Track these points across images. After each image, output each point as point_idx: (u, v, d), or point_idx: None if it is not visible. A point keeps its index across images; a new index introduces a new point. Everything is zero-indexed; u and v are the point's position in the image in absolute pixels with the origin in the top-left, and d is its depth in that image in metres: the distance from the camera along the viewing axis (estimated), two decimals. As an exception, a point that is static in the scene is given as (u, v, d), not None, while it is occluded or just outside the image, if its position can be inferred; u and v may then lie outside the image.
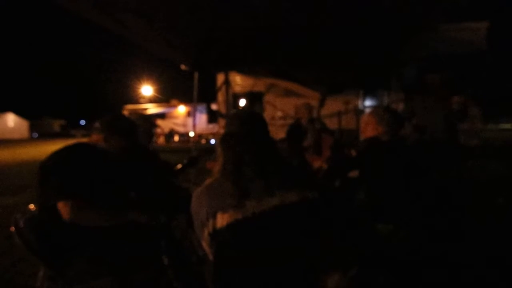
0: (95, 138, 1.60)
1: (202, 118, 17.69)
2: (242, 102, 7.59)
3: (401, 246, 1.67)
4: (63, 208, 1.29)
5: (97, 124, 1.62)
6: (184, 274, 1.68)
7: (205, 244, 1.04)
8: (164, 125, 20.09)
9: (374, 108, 1.95)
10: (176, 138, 20.33)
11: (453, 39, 5.07)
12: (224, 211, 0.95)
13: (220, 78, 6.95)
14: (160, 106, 22.01)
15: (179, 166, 2.47)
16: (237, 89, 7.38)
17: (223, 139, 1.09)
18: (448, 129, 2.91)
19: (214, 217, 0.96)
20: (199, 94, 4.40)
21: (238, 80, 7.34)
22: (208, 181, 1.06)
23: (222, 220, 0.95)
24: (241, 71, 6.76)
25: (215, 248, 0.98)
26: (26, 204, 1.48)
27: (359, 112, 6.44)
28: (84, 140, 1.65)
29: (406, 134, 2.91)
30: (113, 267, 1.36)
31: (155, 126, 2.51)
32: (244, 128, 1.11)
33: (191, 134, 17.07)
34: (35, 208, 1.47)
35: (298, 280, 0.96)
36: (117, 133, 1.61)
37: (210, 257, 1.04)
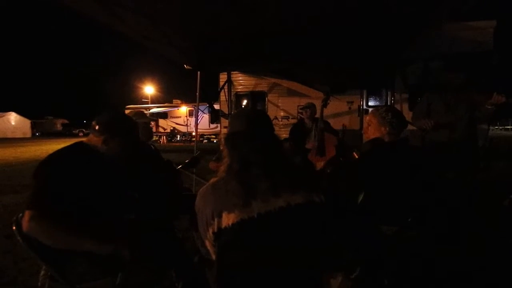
0: (94, 139, 1.45)
1: (204, 118, 17.70)
2: (245, 102, 7.57)
3: (405, 248, 1.65)
4: (25, 217, 1.21)
5: (94, 125, 1.45)
6: (186, 274, 1.67)
7: (208, 244, 1.03)
8: (166, 125, 20.14)
9: (376, 108, 1.90)
10: (178, 137, 20.40)
11: (459, 38, 4.99)
12: (229, 210, 0.94)
13: (223, 77, 6.94)
14: (162, 105, 22.07)
15: (181, 165, 2.47)
16: (240, 88, 7.37)
17: (228, 138, 1.07)
18: (470, 129, 2.76)
19: (220, 216, 0.95)
20: (201, 94, 4.38)
21: (241, 80, 7.32)
22: (213, 180, 1.04)
23: (227, 219, 0.94)
24: (244, 70, 6.74)
25: (219, 247, 0.97)
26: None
27: (362, 112, 6.40)
28: (84, 139, 1.51)
29: (429, 132, 2.75)
30: (114, 267, 1.35)
31: (152, 120, 2.50)
32: (249, 127, 1.08)
33: (193, 133, 17.10)
34: None
35: (301, 281, 0.95)
36: (118, 134, 1.46)
37: (213, 256, 1.03)
